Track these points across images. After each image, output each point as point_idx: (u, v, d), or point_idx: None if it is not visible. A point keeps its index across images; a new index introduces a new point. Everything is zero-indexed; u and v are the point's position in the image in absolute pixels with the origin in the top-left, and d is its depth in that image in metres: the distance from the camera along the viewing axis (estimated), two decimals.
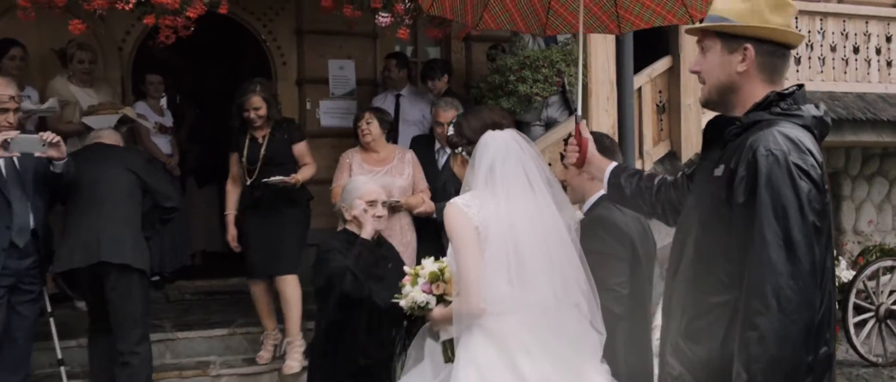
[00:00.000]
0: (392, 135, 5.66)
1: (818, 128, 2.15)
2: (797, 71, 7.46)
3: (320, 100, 7.22)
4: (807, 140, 2.06)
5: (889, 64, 7.84)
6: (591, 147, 2.90)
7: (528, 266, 2.56)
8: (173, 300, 6.35)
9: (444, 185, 5.23)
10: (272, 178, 4.92)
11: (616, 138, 5.97)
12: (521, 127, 6.81)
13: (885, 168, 9.07)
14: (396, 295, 2.87)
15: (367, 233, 3.63)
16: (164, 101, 7.12)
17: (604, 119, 5.59)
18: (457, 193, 2.87)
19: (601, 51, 5.52)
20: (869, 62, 7.76)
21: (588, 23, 3.93)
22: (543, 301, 2.53)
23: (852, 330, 6.75)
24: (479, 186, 2.65)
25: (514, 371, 2.51)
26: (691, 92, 6.71)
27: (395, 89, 6.37)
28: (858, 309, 6.89)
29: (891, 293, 7.00)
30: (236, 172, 5.26)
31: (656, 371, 2.79)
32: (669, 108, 6.79)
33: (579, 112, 3.02)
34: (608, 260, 2.96)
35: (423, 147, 5.49)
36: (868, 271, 6.92)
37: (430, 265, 2.83)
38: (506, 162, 2.64)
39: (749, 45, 2.17)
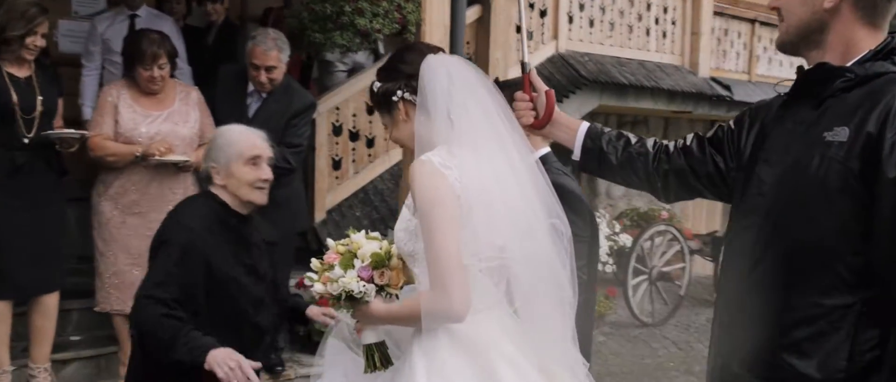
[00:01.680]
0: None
1: None
2: (590, 33, 7.41)
3: (59, 19, 5.76)
4: None
5: (664, 34, 8.11)
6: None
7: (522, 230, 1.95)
8: None
9: None
10: (66, 131, 3.57)
11: None
12: (324, 68, 5.98)
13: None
14: (309, 276, 2.08)
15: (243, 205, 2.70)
16: None
17: None
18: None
19: None
20: (648, 31, 7.95)
21: None
22: (544, 255, 1.95)
23: (630, 292, 6.94)
24: (440, 129, 1.95)
25: None
26: (500, 45, 6.32)
27: (130, 8, 5.04)
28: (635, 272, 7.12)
29: (661, 255, 7.32)
30: None
31: None
32: (476, 61, 6.33)
33: (527, 57, 2.34)
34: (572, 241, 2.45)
35: (231, 83, 4.38)
36: (646, 235, 7.13)
37: (367, 243, 2.04)
38: (467, 83, 1.98)
39: None
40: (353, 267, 1.99)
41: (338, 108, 5.64)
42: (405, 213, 2.00)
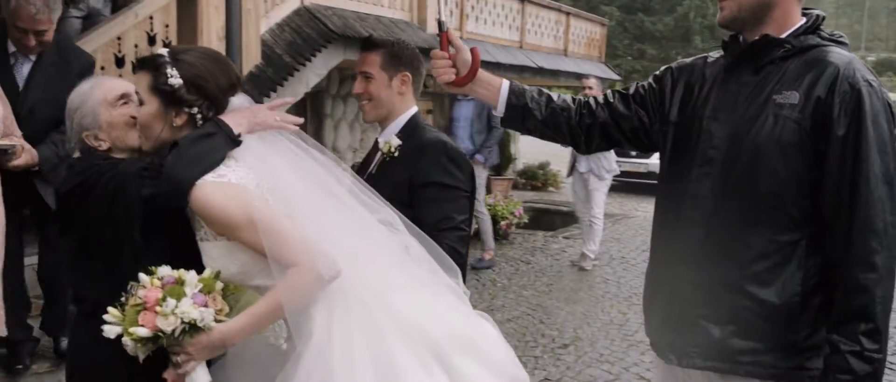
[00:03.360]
0: None
1: None
2: None
3: None
4: None
5: None
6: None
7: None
8: None
9: (32, 111, 3.58)
10: None
11: (223, 41, 4.96)
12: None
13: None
14: (109, 327, 1.82)
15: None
16: None
17: (214, 19, 4.54)
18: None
19: None
20: None
21: None
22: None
23: None
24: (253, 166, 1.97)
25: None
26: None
27: None
28: None
29: None
30: None
31: None
32: (232, 9, 5.88)
33: (443, 15, 2.28)
34: (457, 196, 2.59)
35: None
36: None
37: (186, 273, 1.87)
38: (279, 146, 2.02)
39: None
40: (186, 295, 1.80)
41: None
42: (208, 246, 1.91)
